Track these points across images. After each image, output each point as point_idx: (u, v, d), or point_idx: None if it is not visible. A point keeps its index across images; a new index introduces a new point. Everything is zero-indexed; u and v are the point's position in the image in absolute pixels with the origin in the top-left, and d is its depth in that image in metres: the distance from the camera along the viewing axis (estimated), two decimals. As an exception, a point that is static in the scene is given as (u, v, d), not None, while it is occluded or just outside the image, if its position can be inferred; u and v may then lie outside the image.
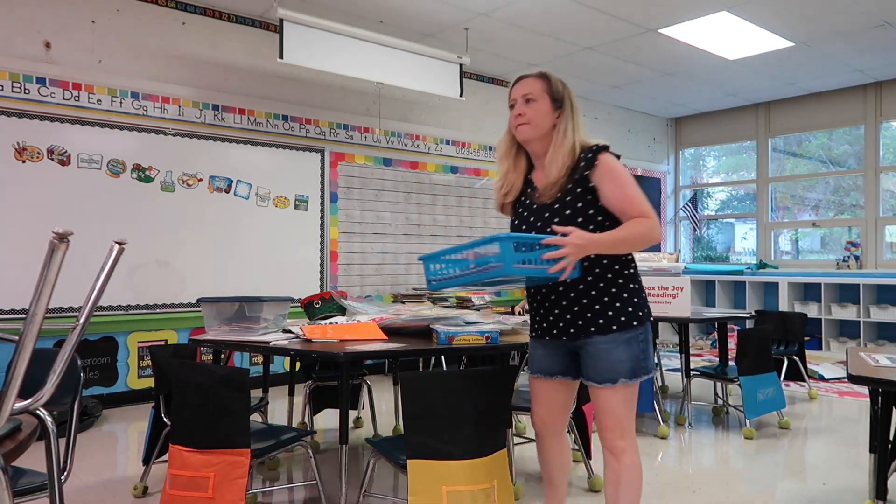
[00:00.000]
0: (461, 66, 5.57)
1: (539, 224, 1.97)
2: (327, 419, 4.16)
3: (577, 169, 1.93)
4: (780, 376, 4.38)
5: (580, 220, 1.90)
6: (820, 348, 6.97)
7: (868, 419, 2.48)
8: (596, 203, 1.91)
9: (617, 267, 1.96)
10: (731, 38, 5.66)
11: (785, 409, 4.17)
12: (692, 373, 4.24)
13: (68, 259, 1.22)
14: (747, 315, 5.04)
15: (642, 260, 4.55)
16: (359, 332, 2.78)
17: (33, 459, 1.83)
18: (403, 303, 4.62)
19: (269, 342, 2.66)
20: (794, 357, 4.94)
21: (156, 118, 4.72)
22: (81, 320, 1.47)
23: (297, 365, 3.75)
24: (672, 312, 4.16)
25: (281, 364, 4.95)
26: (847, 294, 7.03)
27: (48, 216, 4.24)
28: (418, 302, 4.63)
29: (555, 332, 1.99)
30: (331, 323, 2.96)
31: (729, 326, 5.19)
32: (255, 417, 3.16)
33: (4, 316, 4.13)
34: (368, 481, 2.48)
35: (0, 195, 4.13)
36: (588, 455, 3.02)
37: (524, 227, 2.01)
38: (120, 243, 1.44)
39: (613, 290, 1.94)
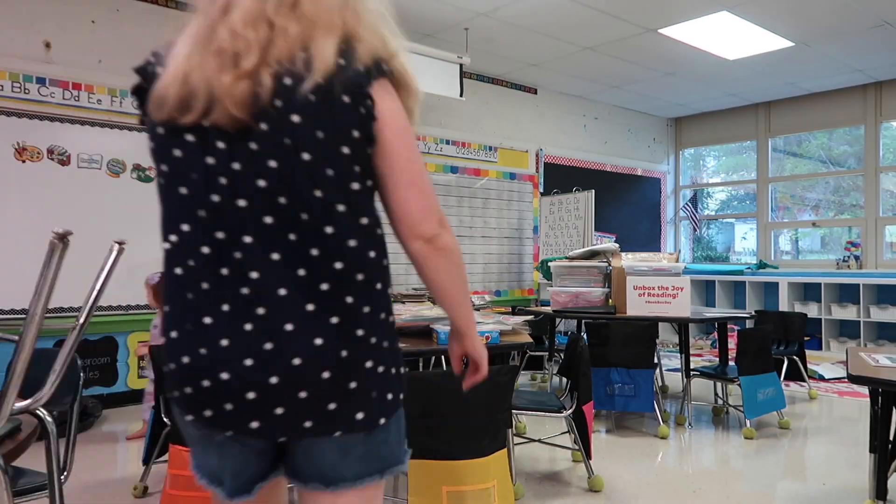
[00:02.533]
0: (461, 66, 5.57)
1: None
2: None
3: None
4: (780, 376, 4.38)
5: None
6: (820, 348, 6.97)
7: (868, 419, 2.48)
8: None
9: None
10: (731, 38, 5.66)
11: (785, 409, 4.16)
12: (692, 373, 4.24)
13: (68, 259, 1.22)
14: (747, 315, 5.04)
15: (641, 260, 4.55)
16: None
17: (33, 459, 1.83)
18: (403, 303, 4.62)
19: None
20: (794, 357, 4.94)
21: (156, 118, 4.72)
22: (81, 320, 1.47)
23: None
24: (672, 312, 4.16)
25: (281, 364, 4.93)
26: (847, 294, 7.03)
27: (48, 216, 4.24)
28: (418, 302, 4.62)
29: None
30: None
31: (729, 326, 5.19)
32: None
33: (4, 316, 4.13)
34: (368, 481, 2.48)
35: (0, 195, 4.13)
36: (588, 455, 3.02)
37: None
38: (120, 243, 1.44)
39: None
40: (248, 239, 1.00)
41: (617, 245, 4.65)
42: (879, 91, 7.12)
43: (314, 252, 1.01)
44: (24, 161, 4.21)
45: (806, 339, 5.24)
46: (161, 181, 1.09)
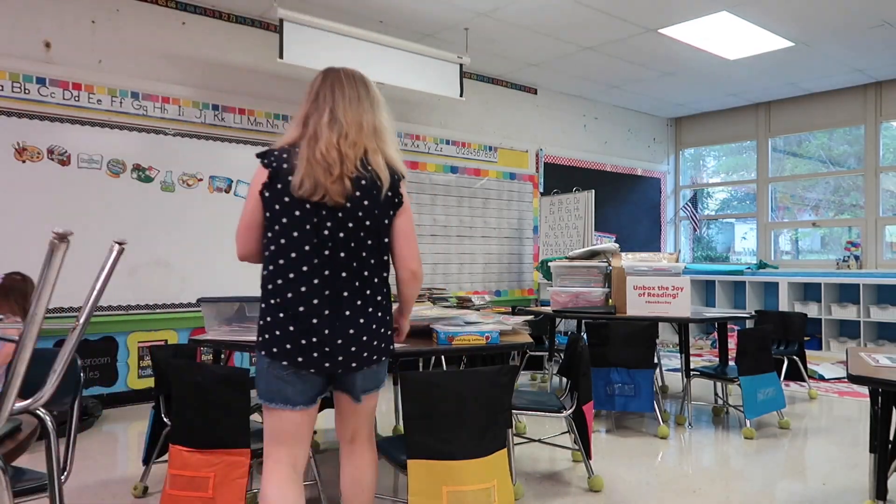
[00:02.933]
0: (461, 66, 5.57)
1: None
2: (327, 419, 4.15)
3: None
4: (780, 376, 4.38)
5: None
6: (820, 348, 6.97)
7: (868, 419, 2.48)
8: None
9: None
10: (731, 38, 5.66)
11: (785, 409, 4.17)
12: (692, 373, 4.24)
13: (68, 259, 1.22)
14: (747, 315, 5.04)
15: (641, 260, 4.55)
16: None
17: (33, 459, 1.83)
18: (403, 303, 4.61)
19: (269, 342, 2.65)
20: (794, 357, 4.94)
21: (156, 118, 4.72)
22: (81, 320, 1.47)
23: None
24: (672, 312, 4.16)
25: (281, 364, 4.94)
26: (847, 294, 7.03)
27: (48, 216, 4.24)
28: (418, 302, 4.62)
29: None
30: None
31: (729, 326, 5.19)
32: (255, 417, 3.15)
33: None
34: (368, 481, 2.47)
35: (0, 195, 4.13)
36: (588, 455, 3.02)
37: None
38: (120, 243, 1.44)
39: None
40: (330, 265, 1.85)
41: (617, 245, 4.65)
42: (879, 91, 7.12)
43: (365, 273, 1.89)
44: (24, 161, 4.22)
45: (806, 339, 5.24)
46: (278, 227, 1.84)
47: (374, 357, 1.91)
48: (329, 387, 1.95)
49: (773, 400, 4.03)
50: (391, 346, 1.98)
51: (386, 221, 1.91)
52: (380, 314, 1.92)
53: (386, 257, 1.95)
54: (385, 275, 1.95)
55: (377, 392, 2.02)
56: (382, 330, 1.93)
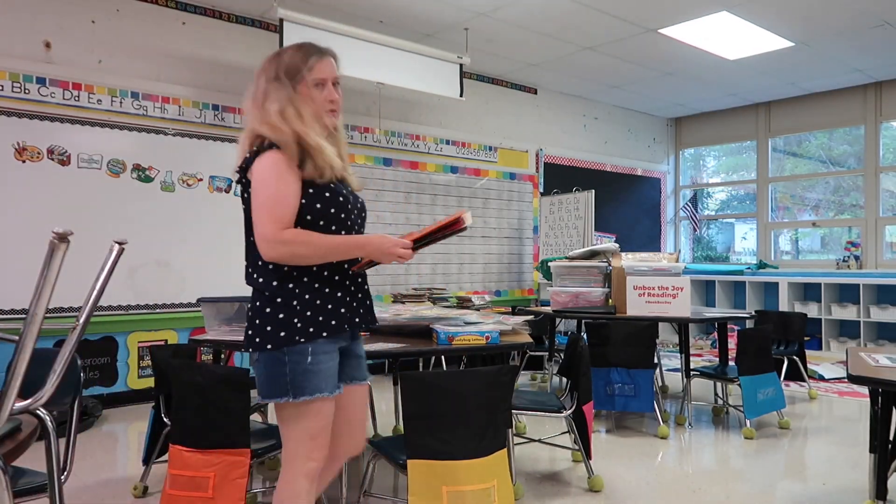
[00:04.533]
0: (461, 66, 5.57)
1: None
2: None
3: None
4: (780, 376, 4.38)
5: None
6: (820, 348, 6.97)
7: (868, 419, 2.48)
8: None
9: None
10: (731, 38, 5.66)
11: (785, 409, 4.16)
12: (692, 373, 4.24)
13: (68, 259, 1.22)
14: (747, 315, 5.04)
15: (641, 260, 4.55)
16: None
17: (33, 459, 1.83)
18: (403, 303, 4.62)
19: (269, 342, 2.65)
20: (794, 357, 4.94)
21: (156, 118, 4.72)
22: (81, 320, 1.47)
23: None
24: (672, 312, 4.16)
25: (281, 364, 4.93)
26: (847, 294, 7.03)
27: (48, 216, 4.24)
28: (418, 302, 4.62)
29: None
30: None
31: (729, 326, 5.19)
32: (255, 417, 3.15)
33: (4, 316, 4.13)
34: (368, 481, 2.49)
35: (0, 195, 4.13)
36: (588, 455, 3.02)
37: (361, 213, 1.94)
38: (120, 243, 1.44)
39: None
40: None
41: (617, 245, 4.65)
42: (879, 91, 7.12)
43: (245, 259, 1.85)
44: (24, 161, 4.22)
45: (806, 339, 5.24)
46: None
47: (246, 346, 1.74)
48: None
49: (773, 400, 4.03)
50: (259, 341, 1.71)
51: (245, 207, 1.78)
52: (256, 302, 1.76)
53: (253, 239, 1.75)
54: (255, 259, 1.77)
55: (279, 403, 1.70)
56: (251, 316, 1.76)
